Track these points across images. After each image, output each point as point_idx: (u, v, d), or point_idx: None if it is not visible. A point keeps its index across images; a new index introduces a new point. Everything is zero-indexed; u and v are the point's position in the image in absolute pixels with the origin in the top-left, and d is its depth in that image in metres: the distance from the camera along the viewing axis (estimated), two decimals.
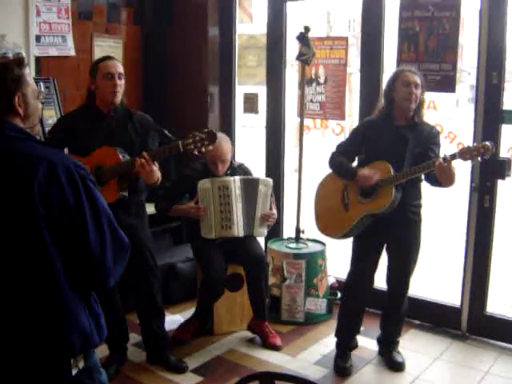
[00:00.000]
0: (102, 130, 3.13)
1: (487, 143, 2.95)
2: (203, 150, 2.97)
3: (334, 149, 3.49)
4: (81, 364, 1.80)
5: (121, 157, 3.06)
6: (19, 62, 1.81)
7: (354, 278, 3.49)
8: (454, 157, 2.98)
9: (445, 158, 2.97)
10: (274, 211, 3.85)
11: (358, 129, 3.48)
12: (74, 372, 1.79)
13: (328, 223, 3.53)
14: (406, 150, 3.21)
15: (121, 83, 3.16)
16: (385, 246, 3.45)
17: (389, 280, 3.50)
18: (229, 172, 3.77)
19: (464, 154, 2.96)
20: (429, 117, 3.61)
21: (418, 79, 3.21)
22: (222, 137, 3.78)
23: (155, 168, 3.04)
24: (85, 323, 1.77)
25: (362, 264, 3.46)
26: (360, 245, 3.46)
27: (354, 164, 3.48)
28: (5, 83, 1.74)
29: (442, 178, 3.05)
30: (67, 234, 1.70)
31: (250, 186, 3.77)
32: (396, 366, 3.48)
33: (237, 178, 3.72)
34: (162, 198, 3.75)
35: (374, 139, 3.32)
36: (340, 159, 3.41)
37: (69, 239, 1.70)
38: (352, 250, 3.50)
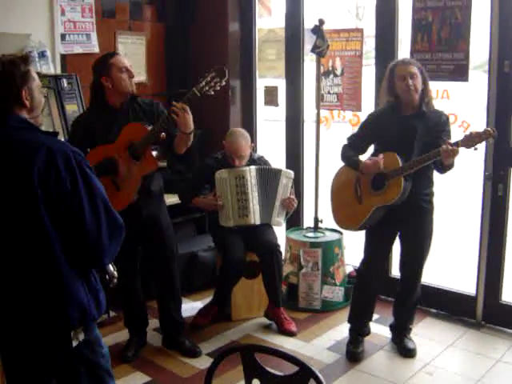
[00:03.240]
0: (118, 124, 3.22)
1: (489, 128, 2.97)
2: (218, 87, 3.02)
3: (345, 141, 3.55)
4: (81, 336, 1.95)
5: (148, 127, 3.14)
6: (25, 59, 1.96)
7: (366, 266, 3.55)
8: (456, 145, 2.99)
9: (449, 146, 2.99)
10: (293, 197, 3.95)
11: (366, 121, 3.51)
12: (74, 344, 1.94)
13: (344, 216, 3.57)
14: (415, 140, 3.24)
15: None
16: (398, 234, 3.50)
17: (401, 268, 3.54)
18: (247, 164, 3.87)
19: (467, 141, 2.97)
20: (445, 107, 3.63)
21: (413, 69, 3.21)
22: (239, 133, 3.89)
23: (190, 115, 3.08)
24: (82, 297, 1.90)
25: (375, 251, 3.52)
26: (373, 233, 3.51)
27: (367, 155, 3.53)
28: (13, 78, 1.89)
29: (448, 162, 3.06)
30: (65, 216, 1.84)
31: (268, 176, 3.87)
32: (407, 352, 3.53)
33: (252, 167, 3.83)
34: (184, 190, 3.91)
35: (383, 130, 3.35)
36: (348, 153, 3.45)
37: (66, 221, 1.84)
38: (365, 237, 3.56)
